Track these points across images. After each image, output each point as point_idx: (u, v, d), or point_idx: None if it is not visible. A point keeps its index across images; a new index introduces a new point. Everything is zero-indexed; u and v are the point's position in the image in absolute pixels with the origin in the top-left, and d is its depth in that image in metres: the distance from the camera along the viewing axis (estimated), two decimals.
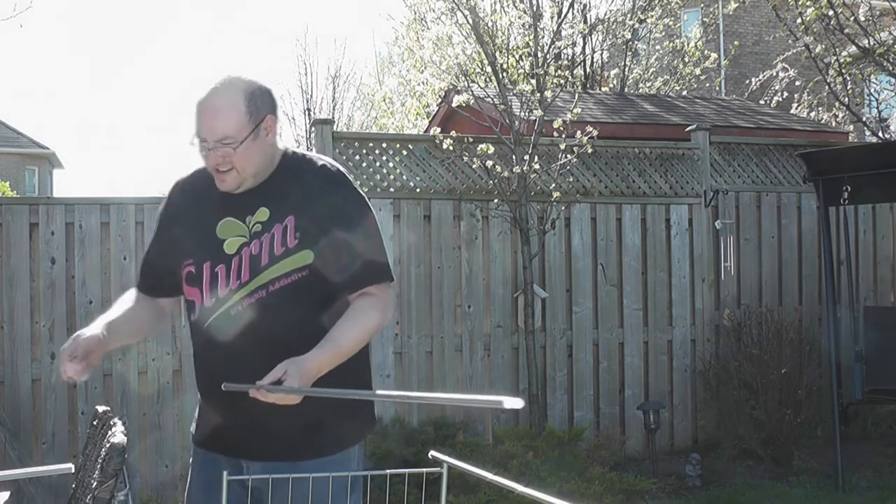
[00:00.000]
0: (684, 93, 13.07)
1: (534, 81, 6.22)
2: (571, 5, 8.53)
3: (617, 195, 6.58)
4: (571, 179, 6.38)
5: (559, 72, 7.06)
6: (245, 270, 2.20)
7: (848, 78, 8.06)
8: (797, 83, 9.96)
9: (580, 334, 6.43)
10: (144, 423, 5.55)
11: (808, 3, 7.69)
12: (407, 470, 2.17)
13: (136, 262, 5.38)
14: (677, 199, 6.73)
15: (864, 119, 8.58)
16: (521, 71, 7.69)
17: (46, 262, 5.50)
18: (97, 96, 56.13)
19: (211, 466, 2.26)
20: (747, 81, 12.95)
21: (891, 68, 7.60)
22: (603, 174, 6.56)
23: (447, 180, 6.23)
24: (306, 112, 17.38)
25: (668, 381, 6.66)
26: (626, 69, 12.76)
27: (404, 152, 6.18)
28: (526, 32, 8.55)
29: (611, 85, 13.04)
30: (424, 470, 2.13)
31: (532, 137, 6.02)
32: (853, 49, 8.08)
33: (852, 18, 7.73)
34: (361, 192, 2.33)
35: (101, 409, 3.12)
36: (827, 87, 8.36)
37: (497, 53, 7.51)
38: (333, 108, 17.70)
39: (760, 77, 11.07)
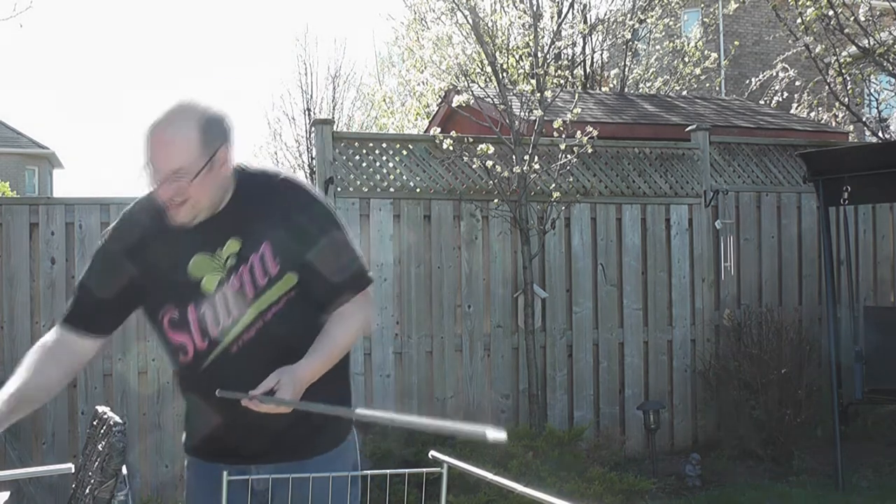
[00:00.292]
0: (684, 93, 13.06)
1: (534, 81, 6.22)
2: (571, 5, 8.54)
3: (617, 195, 6.59)
4: (571, 179, 6.38)
5: (559, 72, 7.06)
6: (233, 306, 2.14)
7: (848, 78, 8.06)
8: (797, 83, 9.96)
9: (580, 334, 6.43)
10: (144, 423, 5.55)
11: (808, 3, 7.69)
12: (407, 470, 2.18)
13: None
14: (677, 199, 6.73)
15: (864, 119, 8.58)
16: (521, 71, 7.69)
17: (46, 262, 5.50)
18: (97, 96, 56.16)
19: (214, 474, 2.25)
20: (747, 81, 12.95)
21: (891, 68, 7.60)
22: (603, 174, 6.56)
23: (447, 180, 6.23)
24: (306, 112, 17.38)
25: (668, 381, 6.66)
26: (626, 69, 12.75)
27: (404, 152, 6.18)
28: (526, 32, 8.55)
29: (611, 85, 13.04)
30: (424, 470, 2.13)
31: (532, 137, 6.02)
32: (853, 49, 8.08)
33: (852, 18, 7.73)
34: (323, 198, 2.26)
35: (101, 409, 3.11)
36: (827, 87, 8.36)
37: (497, 53, 7.51)
38: (333, 108, 17.69)
39: (760, 77, 11.07)
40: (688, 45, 13.51)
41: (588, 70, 12.65)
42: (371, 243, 6.02)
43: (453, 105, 7.10)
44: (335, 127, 7.40)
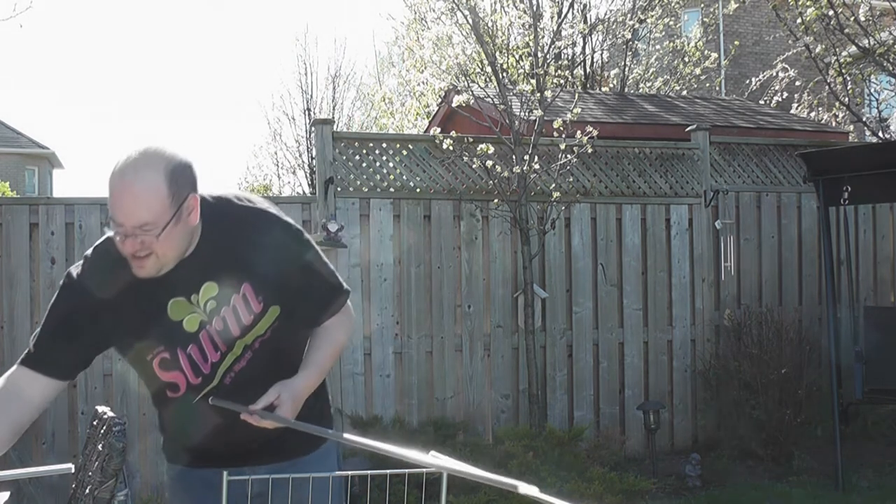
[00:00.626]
0: (684, 93, 13.07)
1: (534, 81, 6.22)
2: (571, 5, 8.53)
3: (617, 195, 6.58)
4: (571, 179, 6.38)
5: (559, 72, 7.05)
6: (219, 342, 2.12)
7: (848, 78, 8.06)
8: (797, 83, 9.96)
9: (580, 334, 6.43)
10: (144, 423, 5.55)
11: (808, 3, 7.68)
12: (407, 470, 2.17)
13: None
14: (677, 199, 6.73)
15: (864, 119, 8.58)
16: (521, 71, 7.68)
17: (46, 262, 5.50)
18: (97, 96, 56.15)
19: (203, 480, 2.25)
20: (747, 81, 12.95)
21: (891, 68, 7.59)
22: (603, 174, 6.56)
23: (447, 180, 6.23)
24: (306, 112, 17.40)
25: (668, 381, 6.66)
26: (626, 69, 12.75)
27: (404, 152, 6.18)
28: (526, 32, 8.55)
29: (611, 85, 13.04)
30: (424, 470, 2.12)
31: (532, 137, 6.02)
32: (853, 49, 8.08)
33: (852, 18, 7.72)
34: (288, 219, 2.19)
35: (101, 409, 3.11)
36: (827, 87, 8.36)
37: (497, 53, 7.51)
38: (333, 108, 17.71)
39: (760, 77, 11.07)
40: (688, 45, 13.51)
41: (588, 70, 12.65)
42: (371, 243, 6.02)
43: (453, 105, 7.10)
44: (335, 127, 7.40)
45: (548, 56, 6.75)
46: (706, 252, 6.77)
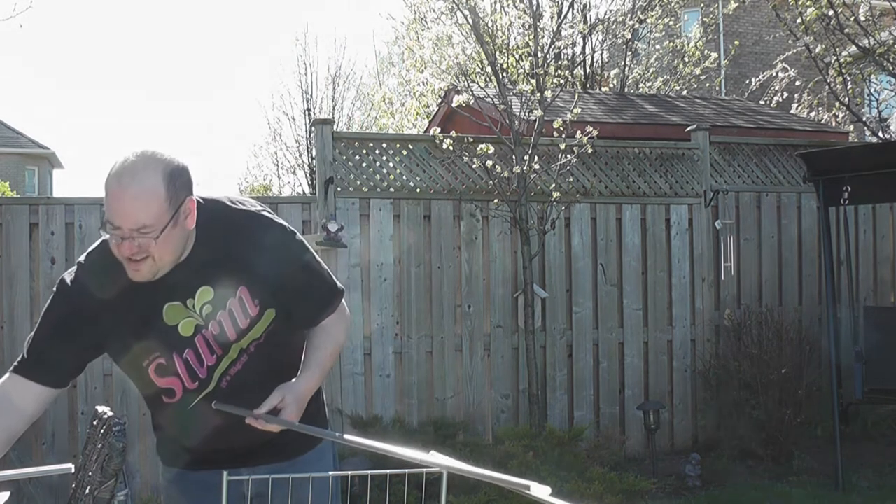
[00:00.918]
0: (684, 93, 13.07)
1: (534, 81, 6.22)
2: (571, 5, 8.55)
3: (617, 195, 6.58)
4: (571, 179, 6.38)
5: (559, 72, 7.07)
6: (215, 346, 2.12)
7: (848, 78, 8.06)
8: (797, 83, 9.96)
9: (580, 334, 6.43)
10: (144, 423, 5.54)
11: (808, 3, 7.69)
12: (407, 470, 2.17)
13: None
14: (677, 199, 6.73)
15: (864, 119, 8.59)
16: (521, 71, 7.67)
17: (46, 262, 5.50)
18: (97, 96, 56.14)
19: (200, 482, 2.25)
20: (747, 81, 12.95)
21: (891, 68, 7.59)
22: (603, 174, 6.56)
23: (447, 180, 6.23)
24: (306, 112, 17.42)
25: (668, 381, 6.66)
26: (626, 69, 12.76)
27: (404, 152, 6.18)
28: (526, 32, 8.55)
29: (611, 85, 13.04)
30: (424, 470, 2.13)
31: (532, 137, 6.02)
32: (853, 49, 8.08)
33: (852, 18, 7.72)
34: (282, 222, 2.19)
35: (101, 409, 3.11)
36: (827, 87, 8.36)
37: (497, 53, 7.51)
38: (333, 108, 17.72)
39: (760, 77, 11.07)
40: (688, 45, 13.51)
41: (588, 70, 12.65)
42: (371, 243, 6.02)
43: (453, 105, 7.10)
44: (335, 127, 7.39)
45: (548, 56, 6.75)
46: (706, 252, 6.77)
